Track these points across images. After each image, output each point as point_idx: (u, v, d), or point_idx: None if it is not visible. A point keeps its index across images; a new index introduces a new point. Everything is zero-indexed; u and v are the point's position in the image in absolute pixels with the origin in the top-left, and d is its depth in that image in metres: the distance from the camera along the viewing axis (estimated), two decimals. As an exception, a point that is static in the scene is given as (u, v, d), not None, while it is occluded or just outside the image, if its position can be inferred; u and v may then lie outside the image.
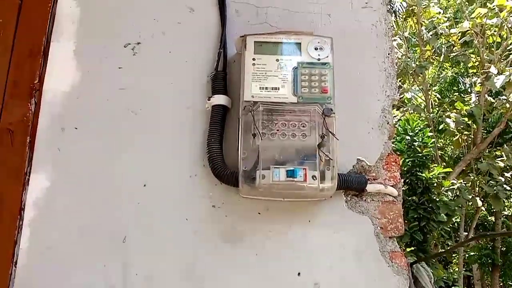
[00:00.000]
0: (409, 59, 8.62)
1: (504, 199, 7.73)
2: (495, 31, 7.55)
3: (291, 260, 1.23)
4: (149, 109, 1.34)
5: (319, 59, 1.24)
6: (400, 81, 9.21)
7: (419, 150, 6.87)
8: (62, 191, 1.26)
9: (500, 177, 7.42)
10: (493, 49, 7.78)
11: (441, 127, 8.64)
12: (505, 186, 7.28)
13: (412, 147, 6.95)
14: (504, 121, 7.91)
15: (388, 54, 1.42)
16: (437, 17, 8.44)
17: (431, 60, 9.31)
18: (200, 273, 1.21)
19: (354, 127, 1.34)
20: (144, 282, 1.20)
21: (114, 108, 1.33)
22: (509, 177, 7.58)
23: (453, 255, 9.37)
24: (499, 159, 7.80)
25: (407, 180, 6.72)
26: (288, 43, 1.27)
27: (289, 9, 1.44)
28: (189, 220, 1.25)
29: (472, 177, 8.18)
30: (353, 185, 1.24)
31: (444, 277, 7.28)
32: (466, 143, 8.68)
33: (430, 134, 7.33)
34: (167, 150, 1.31)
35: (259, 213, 1.25)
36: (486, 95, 8.16)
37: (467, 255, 9.26)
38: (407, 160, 6.82)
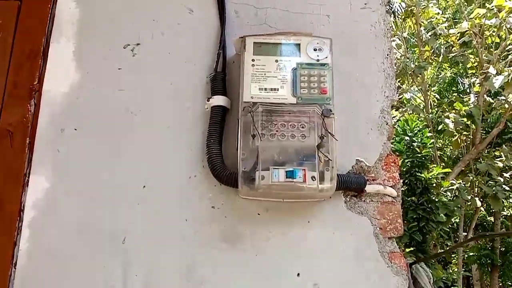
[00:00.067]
0: (408, 60, 8.64)
1: (503, 199, 7.74)
2: (494, 31, 7.57)
3: (291, 260, 1.23)
4: (148, 110, 1.34)
5: (318, 60, 1.25)
6: (399, 81, 9.22)
7: (418, 151, 6.88)
8: (61, 192, 1.26)
9: (499, 178, 7.43)
10: (492, 49, 7.79)
11: (440, 127, 8.66)
12: (504, 186, 7.28)
13: (411, 147, 6.96)
14: (503, 121, 7.92)
15: (387, 54, 1.43)
16: (436, 18, 8.45)
17: (430, 61, 9.32)
18: (200, 274, 1.21)
19: (353, 127, 1.34)
20: (143, 282, 1.20)
21: (114, 109, 1.33)
22: (508, 178, 7.58)
23: (452, 255, 9.38)
24: (498, 159, 7.81)
25: (406, 181, 6.72)
26: (287, 44, 1.27)
27: (288, 10, 1.44)
28: (188, 221, 1.25)
29: (471, 178, 8.19)
30: (352, 185, 1.25)
31: (443, 278, 7.30)
32: (465, 144, 8.69)
33: (429, 134, 7.34)
34: (166, 151, 1.31)
35: (258, 214, 1.26)
36: (485, 96, 8.17)
37: (466, 256, 9.26)
38: (406, 160, 6.82)
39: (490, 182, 7.53)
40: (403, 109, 8.79)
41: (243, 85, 1.22)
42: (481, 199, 8.56)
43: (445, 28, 8.22)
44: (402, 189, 1.35)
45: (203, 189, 1.27)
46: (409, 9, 8.51)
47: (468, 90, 9.62)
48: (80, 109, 1.33)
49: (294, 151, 1.16)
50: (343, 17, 1.45)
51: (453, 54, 8.45)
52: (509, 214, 10.32)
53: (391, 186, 1.30)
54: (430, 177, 6.80)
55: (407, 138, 7.07)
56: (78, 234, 1.23)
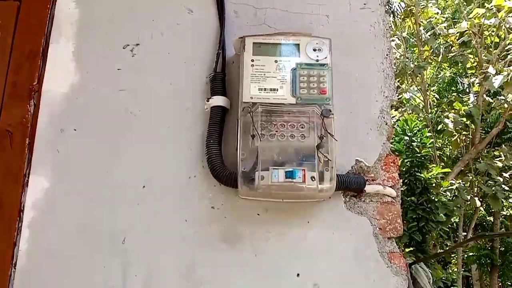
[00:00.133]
0: (407, 60, 8.64)
1: (503, 199, 7.75)
2: (493, 31, 7.57)
3: (290, 260, 1.23)
4: (148, 110, 1.34)
5: (317, 60, 1.25)
6: (398, 81, 9.22)
7: (418, 151, 6.88)
8: (61, 193, 1.26)
9: (499, 177, 7.43)
10: (491, 49, 7.80)
11: (439, 127, 8.66)
12: (503, 186, 7.29)
13: (411, 147, 6.96)
14: (502, 121, 7.93)
15: (387, 55, 1.43)
16: (435, 18, 8.46)
17: (430, 61, 9.33)
18: (200, 274, 1.21)
19: (353, 128, 1.34)
20: (143, 282, 1.20)
21: (113, 109, 1.33)
22: (507, 177, 7.59)
23: (452, 255, 9.39)
24: (498, 159, 7.82)
25: (405, 181, 6.72)
26: (287, 44, 1.27)
27: (288, 10, 1.44)
28: (188, 221, 1.25)
29: (471, 177, 8.19)
30: (352, 186, 1.25)
31: (443, 278, 7.30)
32: (465, 143, 8.70)
33: (428, 134, 7.34)
34: (166, 151, 1.31)
35: (258, 214, 1.26)
36: (484, 95, 8.19)
37: (466, 255, 9.27)
38: (405, 160, 6.83)
39: (489, 182, 7.53)
40: (403, 109, 8.80)
41: (243, 86, 1.22)
42: (481, 199, 8.57)
43: (445, 28, 8.22)
44: (402, 189, 1.35)
45: (203, 189, 1.27)
46: (409, 9, 8.52)
47: (467, 90, 9.63)
48: (79, 109, 1.33)
49: (293, 151, 1.16)
50: (342, 17, 1.45)
51: (452, 54, 8.46)
52: (508, 214, 10.33)
53: (390, 186, 1.30)
54: (430, 177, 6.80)
55: (406, 138, 7.07)
56: (77, 234, 1.23)
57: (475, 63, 8.34)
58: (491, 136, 8.18)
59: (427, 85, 9.44)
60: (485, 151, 8.56)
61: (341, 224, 1.26)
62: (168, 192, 1.27)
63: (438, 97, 10.00)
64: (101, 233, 1.24)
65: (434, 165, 7.70)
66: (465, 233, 8.92)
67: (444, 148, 10.40)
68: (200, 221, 1.25)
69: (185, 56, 1.39)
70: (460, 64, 9.25)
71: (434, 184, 6.90)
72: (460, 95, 9.49)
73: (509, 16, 6.70)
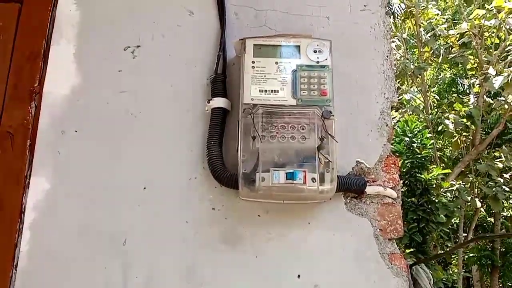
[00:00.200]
0: (407, 61, 8.65)
1: (503, 200, 7.74)
2: (493, 32, 7.58)
3: (291, 262, 1.23)
4: (148, 112, 1.34)
5: (318, 62, 1.25)
6: (398, 82, 9.23)
7: (418, 152, 6.87)
8: (62, 194, 1.27)
9: (499, 178, 7.43)
10: (491, 50, 7.80)
11: (440, 128, 8.66)
12: (504, 187, 7.29)
13: (411, 148, 6.96)
14: (503, 122, 7.92)
15: (387, 56, 1.43)
16: (436, 19, 8.47)
17: (430, 62, 9.33)
18: (200, 276, 1.21)
19: (353, 129, 1.34)
20: (144, 284, 1.20)
21: (114, 111, 1.34)
22: (508, 178, 7.58)
23: (453, 256, 9.38)
24: (498, 160, 7.81)
25: (406, 182, 6.72)
26: (287, 46, 1.27)
27: (288, 12, 1.45)
28: (189, 223, 1.25)
29: (471, 178, 8.19)
30: (352, 187, 1.25)
31: (444, 279, 7.29)
32: (465, 144, 8.70)
33: (429, 135, 7.34)
34: (166, 152, 1.31)
35: (259, 216, 1.26)
36: (485, 96, 8.18)
37: (466, 256, 9.26)
38: (406, 161, 6.82)
39: (490, 183, 7.53)
40: (403, 110, 8.80)
41: (243, 87, 1.22)
42: (481, 200, 8.56)
43: (445, 29, 8.23)
44: (402, 190, 1.35)
45: (204, 191, 1.27)
46: (409, 10, 8.52)
47: (467, 91, 9.63)
48: (80, 111, 1.34)
49: (294, 152, 1.16)
50: (342, 19, 1.45)
51: (452, 55, 8.46)
52: (509, 215, 10.32)
53: (391, 188, 1.31)
54: (430, 178, 6.80)
55: (407, 139, 7.06)
56: (78, 236, 1.24)
57: (475, 64, 8.34)
58: (491, 137, 8.18)
59: (427, 86, 9.44)
60: (486, 152, 8.56)
61: (342, 225, 1.26)
62: (168, 194, 1.27)
63: (438, 98, 10.00)
64: (102, 235, 1.24)
65: (435, 166, 7.69)
66: (466, 234, 8.92)
67: (444, 149, 10.40)
68: (201, 223, 1.25)
69: (186, 58, 1.39)
70: (460, 65, 9.25)
71: (434, 185, 6.90)
72: (461, 96, 9.49)
73: (509, 17, 6.70)
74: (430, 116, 8.60)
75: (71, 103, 1.34)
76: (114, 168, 1.29)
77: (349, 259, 1.24)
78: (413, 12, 8.44)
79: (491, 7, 6.86)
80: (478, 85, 8.07)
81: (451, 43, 8.46)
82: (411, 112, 8.43)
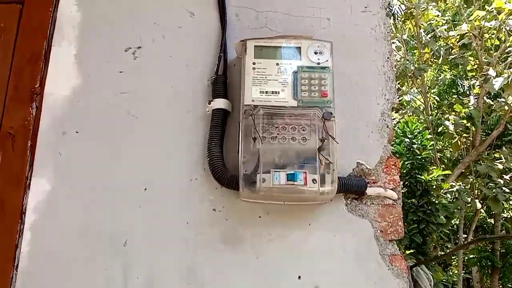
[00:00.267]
0: (407, 62, 8.64)
1: (503, 202, 7.72)
2: (493, 33, 7.58)
3: (292, 263, 1.23)
4: (149, 112, 1.34)
5: (318, 63, 1.25)
6: (398, 83, 9.23)
7: (418, 153, 6.87)
8: (63, 195, 1.27)
9: (499, 180, 7.42)
10: (491, 51, 7.80)
11: (440, 129, 8.66)
12: (504, 188, 7.27)
13: (411, 149, 6.95)
14: (503, 123, 7.92)
15: (388, 58, 1.43)
16: (436, 20, 8.46)
17: (430, 63, 9.33)
18: (201, 277, 1.21)
19: (354, 130, 1.34)
20: (144, 284, 1.20)
21: (115, 112, 1.34)
22: (508, 180, 7.57)
23: (453, 257, 9.37)
24: (498, 161, 7.81)
25: (406, 183, 6.71)
26: (288, 47, 1.27)
27: (289, 13, 1.45)
28: (189, 224, 1.25)
29: (471, 180, 8.19)
30: (353, 188, 1.25)
31: (444, 280, 7.28)
32: (465, 146, 8.69)
33: (429, 136, 7.33)
34: (167, 153, 1.31)
35: (259, 217, 1.26)
36: (485, 98, 8.18)
37: (466, 258, 9.25)
38: (406, 162, 6.82)
39: (490, 184, 7.52)
40: (403, 111, 8.80)
41: (244, 88, 1.22)
42: (481, 201, 8.55)
43: (445, 30, 8.23)
44: (402, 191, 1.35)
45: (204, 192, 1.27)
46: (409, 11, 8.53)
47: (468, 92, 9.62)
48: (81, 112, 1.34)
49: (295, 154, 1.16)
50: (343, 20, 1.46)
51: (452, 56, 8.45)
52: (509, 216, 10.31)
53: (391, 189, 1.31)
54: (430, 179, 6.79)
55: (407, 140, 7.06)
56: (79, 237, 1.24)
57: (476, 66, 8.34)
58: (491, 138, 8.17)
59: (427, 87, 9.44)
60: (486, 153, 8.56)
61: (342, 226, 1.26)
62: (169, 195, 1.28)
63: (438, 99, 10.00)
64: (102, 235, 1.24)
65: (435, 167, 7.68)
66: (466, 235, 8.90)
67: (444, 150, 10.39)
68: (201, 223, 1.25)
69: (187, 59, 1.39)
70: (460, 66, 9.25)
71: (434, 186, 6.89)
72: (461, 97, 9.48)
73: (509, 19, 6.70)
74: (430, 117, 8.60)
75: (72, 104, 1.34)
76: (115, 169, 1.29)
77: (349, 260, 1.24)
78: (413, 13, 8.45)
79: (491, 9, 6.86)
80: (478, 86, 8.07)
81: (451, 45, 8.45)
82: (411, 113, 8.43)
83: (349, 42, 1.43)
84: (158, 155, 1.31)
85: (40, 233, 1.24)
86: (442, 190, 7.09)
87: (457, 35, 7.82)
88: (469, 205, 7.87)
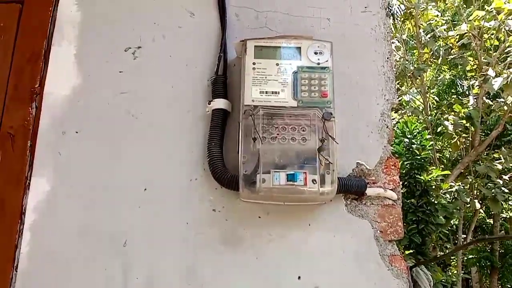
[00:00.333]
0: (407, 62, 8.65)
1: (502, 202, 7.74)
2: (492, 33, 7.58)
3: (291, 263, 1.23)
4: (149, 113, 1.34)
5: (318, 64, 1.25)
6: (398, 83, 9.23)
7: (418, 153, 6.88)
8: (62, 195, 1.27)
9: (498, 180, 7.43)
10: (491, 51, 7.81)
11: (439, 129, 8.67)
12: (503, 188, 7.29)
13: (411, 149, 6.96)
14: (502, 123, 7.93)
15: (387, 58, 1.43)
16: (435, 20, 8.47)
17: (429, 63, 9.34)
18: (201, 277, 1.21)
19: (354, 131, 1.34)
20: (144, 285, 1.20)
21: (115, 112, 1.34)
22: (507, 180, 7.58)
23: (452, 257, 9.38)
24: (497, 161, 7.81)
25: (405, 183, 6.72)
26: (288, 48, 1.27)
27: (289, 13, 1.45)
28: (189, 224, 1.25)
29: (470, 180, 8.19)
30: (353, 188, 1.25)
31: (443, 280, 7.29)
32: (464, 146, 8.70)
33: (428, 136, 7.34)
34: (167, 153, 1.31)
35: (259, 217, 1.26)
36: (484, 98, 8.19)
37: (465, 258, 9.27)
38: (405, 162, 6.82)
39: (489, 184, 7.53)
40: (402, 111, 8.81)
41: (244, 88, 1.22)
42: (480, 201, 8.57)
43: (444, 30, 8.23)
44: (402, 191, 1.35)
45: (204, 192, 1.27)
46: (408, 11, 8.54)
47: (467, 92, 9.63)
48: (81, 112, 1.34)
49: (295, 154, 1.16)
50: (343, 20, 1.46)
51: (452, 56, 8.46)
52: (508, 217, 10.33)
53: (391, 189, 1.31)
54: (430, 179, 6.80)
55: (406, 140, 7.07)
56: (79, 237, 1.24)
57: (475, 66, 8.35)
58: (490, 139, 8.18)
59: (426, 87, 9.45)
60: (485, 154, 8.56)
61: (342, 227, 1.26)
62: (169, 195, 1.27)
63: (437, 99, 10.01)
64: (102, 236, 1.24)
65: (434, 167, 7.69)
66: (465, 236, 8.92)
67: (443, 151, 10.40)
68: (201, 224, 1.25)
69: (187, 59, 1.39)
70: (459, 67, 9.26)
71: (434, 187, 6.90)
72: (460, 97, 9.49)
73: (508, 19, 6.70)
74: (430, 117, 8.61)
75: (71, 104, 1.34)
76: (115, 169, 1.29)
77: (349, 260, 1.24)
78: (413, 13, 8.46)
79: (491, 9, 6.87)
80: (478, 87, 8.08)
81: (451, 45, 8.46)
82: (410, 113, 8.44)
83: (349, 42, 1.43)
84: (158, 155, 1.31)
85: (40, 233, 1.24)
86: (441, 190, 7.10)
87: (457, 35, 7.83)
88: (468, 205, 7.89)
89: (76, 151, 1.30)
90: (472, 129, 8.08)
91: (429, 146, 7.15)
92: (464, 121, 7.77)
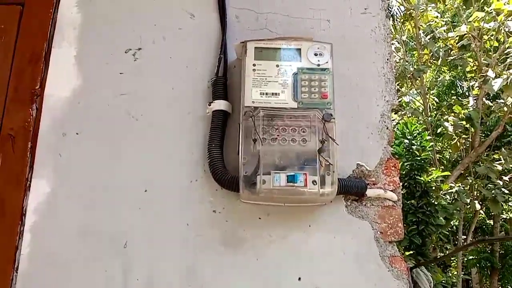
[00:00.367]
0: (407, 63, 8.65)
1: (502, 203, 7.73)
2: (492, 35, 7.59)
3: (292, 264, 1.23)
4: (150, 114, 1.34)
5: (318, 65, 1.25)
6: (398, 84, 9.23)
7: (418, 154, 6.88)
8: (63, 196, 1.27)
9: (498, 181, 7.43)
10: (490, 52, 7.81)
11: (439, 130, 8.67)
12: (503, 189, 7.28)
13: (411, 150, 6.96)
14: (502, 124, 7.93)
15: (387, 59, 1.43)
16: (435, 21, 8.47)
17: (429, 64, 9.34)
18: (201, 278, 1.21)
19: (354, 132, 1.34)
20: (144, 286, 1.20)
21: (115, 113, 1.34)
22: (507, 181, 7.58)
23: (452, 258, 9.37)
24: (497, 162, 7.81)
25: (405, 184, 6.72)
26: (288, 49, 1.28)
27: (289, 15, 1.45)
28: (189, 225, 1.25)
29: (471, 181, 8.19)
30: (353, 190, 1.25)
31: (443, 281, 7.28)
32: (464, 147, 8.70)
33: (428, 137, 7.34)
34: (167, 155, 1.31)
35: (259, 218, 1.26)
36: (484, 99, 8.19)
37: (465, 259, 9.26)
38: (405, 163, 6.82)
39: (489, 185, 7.53)
40: (402, 112, 8.80)
41: (244, 90, 1.22)
42: (480, 202, 8.56)
43: (444, 32, 8.23)
44: (402, 192, 1.35)
45: (204, 193, 1.28)
46: (408, 12, 8.54)
47: (467, 93, 9.64)
48: (81, 113, 1.34)
49: (295, 155, 1.16)
50: (343, 22, 1.46)
51: (452, 57, 8.46)
52: (508, 217, 10.32)
53: (391, 190, 1.31)
54: (430, 180, 6.80)
55: (406, 141, 7.07)
56: (79, 238, 1.24)
57: (475, 67, 8.35)
58: (490, 140, 8.18)
59: (426, 88, 9.45)
60: (485, 155, 8.56)
61: (342, 228, 1.26)
62: (169, 196, 1.28)
63: (437, 100, 10.01)
64: (103, 237, 1.24)
65: (434, 168, 7.69)
66: (465, 236, 8.91)
67: (443, 151, 10.40)
68: (202, 225, 1.25)
69: (187, 60, 1.39)
70: (459, 68, 9.26)
71: (434, 187, 6.90)
72: (460, 98, 9.50)
73: (508, 20, 6.71)
74: (430, 118, 8.60)
75: (72, 105, 1.34)
76: (115, 170, 1.29)
77: (349, 261, 1.24)
78: (413, 15, 8.46)
79: (490, 10, 6.87)
80: (477, 88, 8.08)
81: (451, 46, 8.46)
82: (410, 114, 8.43)
83: (349, 43, 1.43)
84: (158, 156, 1.31)
85: (40, 235, 1.24)
86: (441, 191, 7.10)
87: (456, 36, 7.83)
88: (468, 206, 7.88)
89: (76, 153, 1.30)
90: (472, 130, 8.08)
91: (429, 147, 7.15)
92: (464, 122, 7.77)
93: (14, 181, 1.27)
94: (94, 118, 1.33)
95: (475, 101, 8.33)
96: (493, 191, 7.21)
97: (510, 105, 7.30)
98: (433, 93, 10.21)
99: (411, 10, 8.34)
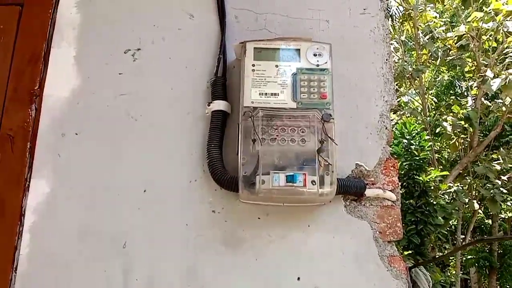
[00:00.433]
0: (405, 63, 8.65)
1: (501, 202, 7.75)
2: (491, 35, 7.60)
3: (291, 264, 1.23)
4: (149, 114, 1.34)
5: (318, 65, 1.26)
6: (397, 84, 9.24)
7: (416, 154, 6.88)
8: (62, 197, 1.27)
9: (497, 180, 7.43)
10: (489, 52, 7.82)
11: (437, 130, 8.67)
12: (501, 189, 7.29)
13: (409, 150, 6.97)
14: (501, 124, 7.94)
15: (386, 59, 1.44)
16: (434, 21, 8.48)
17: (428, 64, 9.35)
18: (201, 278, 1.21)
19: (353, 132, 1.35)
20: (144, 286, 1.20)
21: (115, 113, 1.34)
22: (505, 180, 7.59)
23: (451, 258, 9.38)
24: (496, 162, 7.82)
25: (404, 184, 6.72)
26: (287, 49, 1.28)
27: (288, 15, 1.45)
28: (189, 225, 1.25)
29: (469, 180, 8.20)
30: (352, 190, 1.25)
31: (442, 280, 7.29)
32: (463, 146, 8.71)
33: (427, 137, 7.35)
34: (167, 155, 1.31)
35: (259, 218, 1.26)
36: (483, 99, 8.20)
37: (464, 258, 9.27)
38: (404, 163, 6.83)
39: (487, 185, 7.54)
40: (401, 112, 8.81)
41: (244, 90, 1.22)
42: (479, 202, 8.57)
43: (443, 32, 8.24)
44: (400, 192, 1.36)
45: (204, 194, 1.28)
46: (407, 12, 8.55)
47: (465, 93, 9.65)
48: (81, 113, 1.34)
49: (294, 155, 1.17)
50: (342, 22, 1.46)
51: (450, 58, 8.47)
52: (506, 217, 10.34)
53: (390, 190, 1.31)
54: (428, 180, 6.81)
55: (405, 141, 7.08)
56: (78, 239, 1.24)
57: (473, 67, 8.36)
58: (489, 139, 8.19)
59: (425, 88, 9.46)
60: (483, 154, 8.57)
61: (342, 228, 1.27)
62: (169, 196, 1.28)
63: (436, 100, 10.02)
64: (102, 237, 1.24)
65: (433, 168, 7.70)
66: (464, 236, 8.93)
67: (442, 151, 10.42)
68: (201, 225, 1.25)
69: (186, 61, 1.40)
70: (458, 68, 9.28)
71: (432, 187, 6.91)
72: (458, 98, 9.51)
73: (507, 20, 6.72)
74: (428, 118, 8.62)
75: (71, 105, 1.35)
76: (115, 171, 1.30)
77: (348, 261, 1.24)
78: (411, 15, 8.46)
79: (489, 10, 6.88)
80: (476, 88, 8.09)
81: (449, 46, 8.47)
82: (409, 114, 8.44)
83: (348, 44, 1.43)
84: (157, 156, 1.31)
85: (40, 235, 1.24)
86: (440, 191, 7.11)
87: (455, 36, 7.84)
88: (467, 206, 7.89)
89: (75, 153, 1.31)
90: (471, 130, 8.09)
91: (427, 147, 7.16)
92: (462, 122, 7.78)
93: (13, 181, 1.27)
94: (93, 118, 1.34)
95: (473, 101, 8.33)
96: (491, 191, 7.21)
97: (509, 105, 7.32)
98: (431, 93, 10.22)
99: (410, 10, 8.35)
